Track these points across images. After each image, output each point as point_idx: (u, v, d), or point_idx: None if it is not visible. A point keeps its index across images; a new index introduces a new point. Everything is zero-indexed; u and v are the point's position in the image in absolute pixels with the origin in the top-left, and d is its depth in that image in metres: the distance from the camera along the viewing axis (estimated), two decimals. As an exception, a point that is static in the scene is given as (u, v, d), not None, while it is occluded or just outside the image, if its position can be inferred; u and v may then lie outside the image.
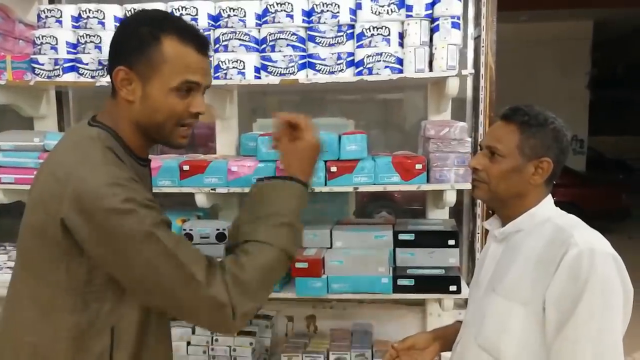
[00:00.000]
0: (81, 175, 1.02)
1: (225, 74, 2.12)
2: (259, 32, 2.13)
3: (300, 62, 2.08)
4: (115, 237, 1.00)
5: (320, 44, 2.08)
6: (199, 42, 1.14)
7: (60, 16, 2.23)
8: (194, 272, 1.03)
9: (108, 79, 1.16)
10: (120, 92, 1.12)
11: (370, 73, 2.03)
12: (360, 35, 2.05)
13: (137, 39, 1.10)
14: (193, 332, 2.29)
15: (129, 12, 2.14)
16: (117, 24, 1.37)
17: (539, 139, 1.25)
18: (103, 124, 1.14)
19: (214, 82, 2.12)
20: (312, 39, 2.08)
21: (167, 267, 1.02)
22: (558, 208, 1.31)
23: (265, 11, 2.11)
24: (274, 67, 2.10)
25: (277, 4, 2.09)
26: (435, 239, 2.07)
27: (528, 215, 1.28)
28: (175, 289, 1.04)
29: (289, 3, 2.08)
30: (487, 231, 2.24)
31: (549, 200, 1.31)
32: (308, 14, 2.10)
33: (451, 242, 2.04)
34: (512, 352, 1.22)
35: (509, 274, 1.26)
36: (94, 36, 2.18)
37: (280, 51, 2.10)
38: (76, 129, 1.18)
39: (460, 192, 2.16)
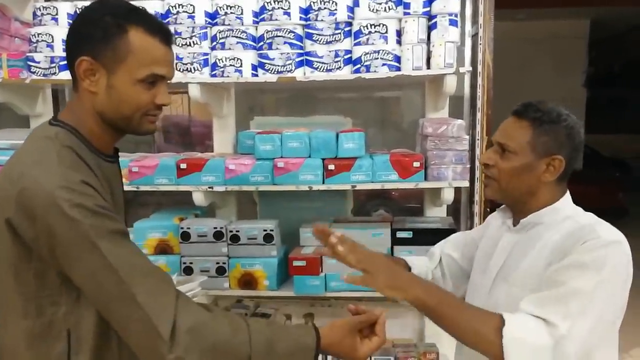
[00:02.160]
0: (32, 176, 0.99)
1: (222, 71, 2.11)
2: (256, 29, 2.13)
3: (298, 59, 2.08)
4: (60, 242, 0.98)
5: (318, 42, 2.07)
6: (164, 34, 1.12)
7: (56, 14, 2.22)
8: (135, 293, 0.97)
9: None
10: (82, 83, 1.09)
11: (367, 71, 2.03)
12: (358, 33, 2.04)
13: (102, 28, 1.06)
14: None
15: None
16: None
17: (551, 137, 1.23)
18: (63, 122, 1.11)
19: (211, 79, 2.12)
20: (309, 36, 2.08)
21: (106, 281, 0.98)
22: (579, 207, 1.30)
23: (263, 9, 2.10)
24: (271, 64, 2.09)
25: (275, 1, 2.08)
26: (433, 237, 2.05)
27: (551, 209, 1.26)
28: (111, 304, 1.00)
29: (286, 0, 2.07)
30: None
31: (568, 197, 1.29)
32: (305, 11, 2.09)
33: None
34: None
35: (522, 264, 1.26)
36: (90, 34, 2.17)
37: (277, 49, 2.09)
38: (37, 129, 1.14)
39: (458, 190, 2.17)
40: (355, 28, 2.05)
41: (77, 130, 1.10)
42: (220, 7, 2.13)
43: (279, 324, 1.10)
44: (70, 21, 2.20)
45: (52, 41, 2.18)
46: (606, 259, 1.13)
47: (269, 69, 2.10)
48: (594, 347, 1.15)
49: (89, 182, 1.02)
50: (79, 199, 0.98)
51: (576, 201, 1.30)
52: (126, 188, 2.11)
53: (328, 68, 2.06)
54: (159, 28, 1.11)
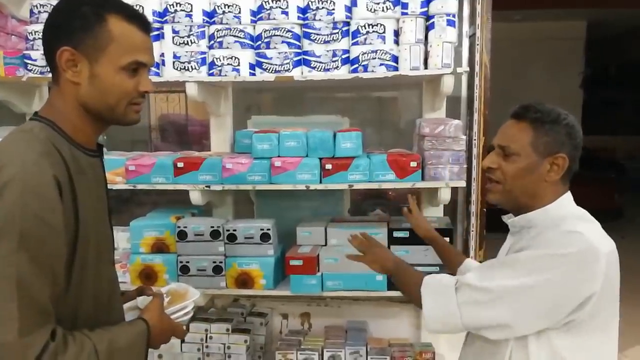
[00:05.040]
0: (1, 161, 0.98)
1: (220, 70, 2.11)
2: (254, 28, 2.12)
3: (295, 59, 2.08)
4: None
5: (316, 41, 2.07)
6: (142, 22, 1.13)
7: (54, 11, 2.21)
8: (10, 316, 0.93)
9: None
10: (65, 74, 1.08)
11: (365, 70, 2.03)
12: (356, 33, 2.05)
13: (81, 18, 1.06)
14: (187, 330, 2.28)
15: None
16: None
17: (552, 136, 1.23)
18: (41, 117, 1.11)
19: (209, 78, 2.12)
20: (307, 36, 2.08)
21: None
22: (580, 208, 1.29)
23: (260, 8, 2.10)
24: (269, 63, 2.09)
25: (273, 0, 2.08)
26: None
27: (543, 211, 1.26)
28: None
29: (284, 0, 2.07)
30: (481, 229, 2.25)
31: (566, 198, 1.28)
32: (303, 10, 2.09)
33: (445, 239, 2.04)
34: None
35: None
36: (87, 32, 2.17)
37: (275, 48, 2.09)
38: (20, 126, 1.13)
39: (454, 190, 2.17)
40: (353, 28, 2.05)
41: (54, 124, 1.10)
42: (218, 6, 2.13)
43: (115, 326, 1.14)
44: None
45: (49, 39, 2.17)
46: (557, 246, 1.16)
47: (266, 68, 2.09)
48: (533, 327, 1.19)
49: (56, 175, 1.01)
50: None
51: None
52: (123, 187, 2.13)
53: (326, 67, 2.06)
54: (136, 15, 1.12)
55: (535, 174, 1.24)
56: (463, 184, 2.04)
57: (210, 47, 2.14)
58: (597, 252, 1.15)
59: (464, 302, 1.22)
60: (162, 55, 2.14)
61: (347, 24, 2.07)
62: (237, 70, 2.10)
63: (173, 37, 2.13)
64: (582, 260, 1.15)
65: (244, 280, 2.12)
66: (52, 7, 2.23)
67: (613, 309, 1.23)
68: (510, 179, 1.26)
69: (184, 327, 1.35)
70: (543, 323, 1.18)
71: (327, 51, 2.06)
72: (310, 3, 2.07)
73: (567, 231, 1.18)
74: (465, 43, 2.29)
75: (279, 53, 2.08)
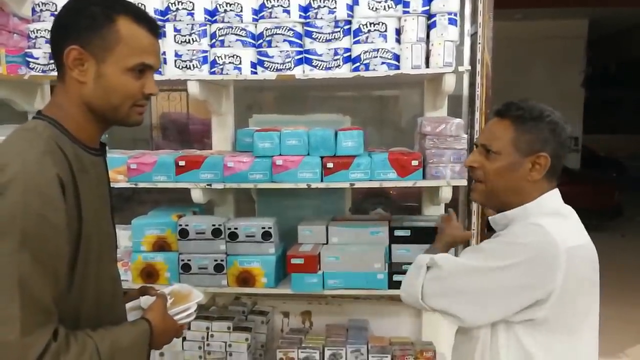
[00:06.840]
0: (3, 161, 0.98)
1: (222, 69, 2.11)
2: (256, 27, 2.13)
3: (297, 57, 2.08)
4: None
5: (317, 40, 2.07)
6: (151, 25, 1.14)
7: (55, 9, 2.21)
8: (10, 316, 0.93)
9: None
10: (71, 73, 1.09)
11: (367, 69, 2.03)
12: (357, 31, 2.05)
13: (90, 18, 1.07)
14: (188, 328, 2.29)
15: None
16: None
17: (534, 134, 1.20)
18: (45, 115, 1.11)
19: (211, 77, 2.12)
20: (308, 34, 2.08)
21: None
22: (566, 205, 1.26)
23: (262, 6, 2.10)
24: (271, 62, 2.09)
25: (274, -1, 2.08)
26: (430, 235, 2.05)
27: (522, 209, 1.23)
28: None
29: (285, -2, 2.07)
30: (482, 228, 2.24)
31: (549, 196, 1.25)
32: (305, 9, 2.09)
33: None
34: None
35: None
36: (89, 30, 2.17)
37: (276, 46, 2.09)
38: (23, 124, 1.13)
39: (455, 189, 2.17)
40: (354, 26, 2.05)
41: (57, 122, 1.10)
42: (219, 5, 2.13)
43: (117, 326, 1.14)
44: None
45: (51, 37, 2.17)
46: (516, 236, 1.18)
47: (268, 67, 2.10)
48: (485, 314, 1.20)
49: (59, 174, 1.01)
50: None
51: (572, 201, 1.28)
52: (124, 185, 2.13)
53: (327, 66, 2.06)
54: (145, 18, 1.13)
55: (516, 173, 1.22)
56: (464, 182, 2.04)
57: (212, 46, 2.14)
58: (556, 246, 1.13)
59: (427, 279, 1.26)
60: (164, 53, 2.14)
61: (349, 22, 2.07)
62: (239, 69, 2.10)
63: (175, 36, 2.13)
64: (540, 253, 1.13)
65: (245, 279, 2.12)
66: (54, 5, 2.25)
67: (583, 308, 1.19)
68: (492, 178, 1.25)
69: (186, 326, 1.36)
70: (496, 312, 1.18)
71: (329, 50, 2.06)
72: (311, 1, 2.07)
73: (529, 223, 1.18)
74: (467, 42, 2.29)
75: (281, 51, 2.08)
